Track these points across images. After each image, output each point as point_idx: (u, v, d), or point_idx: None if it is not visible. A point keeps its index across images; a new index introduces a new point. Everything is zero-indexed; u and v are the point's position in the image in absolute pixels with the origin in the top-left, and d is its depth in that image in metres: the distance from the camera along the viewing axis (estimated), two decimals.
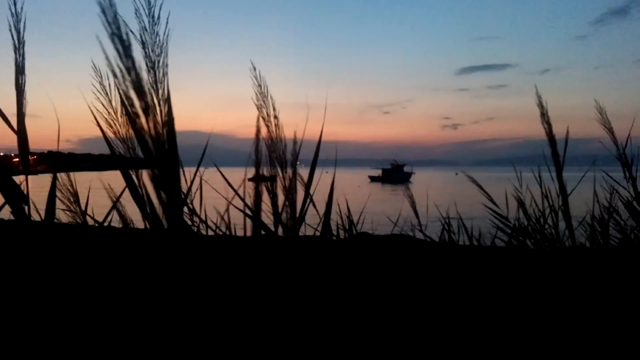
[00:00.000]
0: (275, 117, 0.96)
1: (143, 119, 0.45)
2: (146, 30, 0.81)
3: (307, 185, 0.97)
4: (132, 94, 0.43)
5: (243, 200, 1.07)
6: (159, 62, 0.78)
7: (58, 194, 1.58)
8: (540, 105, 0.74)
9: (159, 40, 0.81)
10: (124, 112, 0.96)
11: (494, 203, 2.63)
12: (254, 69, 0.92)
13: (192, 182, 1.24)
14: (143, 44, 0.80)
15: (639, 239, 2.41)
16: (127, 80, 0.42)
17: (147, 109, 0.44)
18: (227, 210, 1.53)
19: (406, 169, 75.96)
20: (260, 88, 0.94)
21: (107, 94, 1.06)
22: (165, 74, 0.75)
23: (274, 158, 0.96)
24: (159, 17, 0.83)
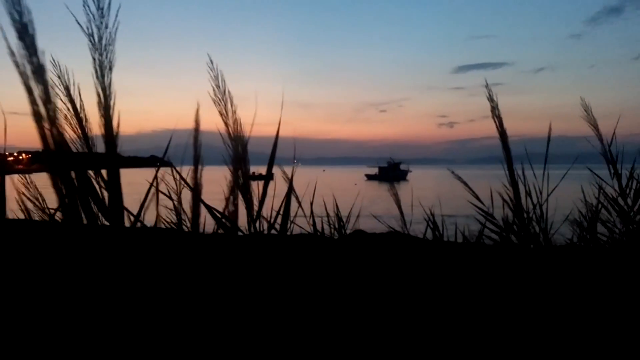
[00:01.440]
0: (234, 112, 0.93)
1: (42, 110, 0.42)
2: (94, 23, 0.78)
3: (265, 184, 0.95)
4: (33, 84, 0.41)
5: (190, 187, 1.04)
6: (104, 56, 0.75)
7: (27, 192, 1.56)
8: (491, 99, 0.73)
9: (107, 34, 0.78)
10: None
11: (480, 200, 2.62)
12: (211, 62, 0.90)
13: (153, 181, 1.21)
14: (90, 37, 0.77)
15: (625, 235, 2.40)
16: (28, 69, 0.40)
17: (48, 99, 0.41)
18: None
19: (402, 167, 76.17)
20: (218, 82, 0.92)
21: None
22: (110, 69, 0.72)
23: (229, 154, 0.93)
24: (108, 9, 0.80)
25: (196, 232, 0.83)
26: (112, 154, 0.62)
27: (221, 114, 0.92)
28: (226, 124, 0.93)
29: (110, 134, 0.63)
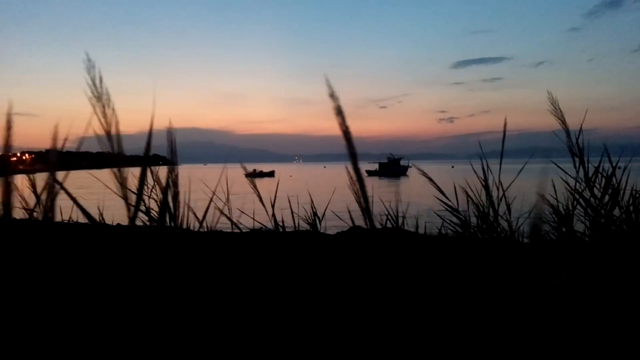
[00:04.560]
0: (113, 110, 0.90)
1: None
2: None
3: (141, 179, 0.92)
4: None
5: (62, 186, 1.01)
6: None
7: None
8: (331, 95, 0.70)
9: None
10: None
11: (445, 195, 2.62)
12: (88, 60, 0.86)
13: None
14: None
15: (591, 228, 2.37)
16: None
17: None
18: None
19: (402, 162, 75.88)
20: (94, 81, 0.88)
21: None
22: None
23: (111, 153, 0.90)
24: None
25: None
26: None
27: (96, 112, 0.89)
28: (103, 124, 0.89)
29: None
